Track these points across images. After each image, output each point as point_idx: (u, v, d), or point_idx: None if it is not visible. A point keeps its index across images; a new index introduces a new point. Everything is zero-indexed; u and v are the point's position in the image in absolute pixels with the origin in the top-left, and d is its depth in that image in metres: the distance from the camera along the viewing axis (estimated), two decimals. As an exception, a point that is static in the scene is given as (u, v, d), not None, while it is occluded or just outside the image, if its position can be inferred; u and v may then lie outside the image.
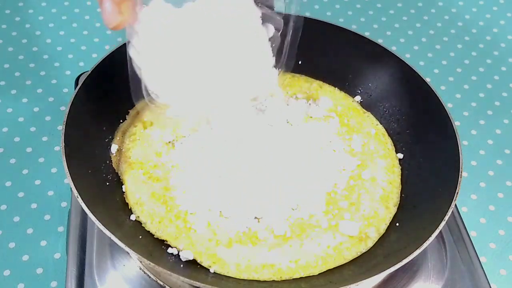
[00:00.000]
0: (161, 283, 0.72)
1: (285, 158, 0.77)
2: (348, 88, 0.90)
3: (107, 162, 0.78)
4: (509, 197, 0.97)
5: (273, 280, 0.68)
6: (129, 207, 0.74)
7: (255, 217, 0.72)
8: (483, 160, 1.02)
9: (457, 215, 0.83)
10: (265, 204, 0.73)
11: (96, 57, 0.77)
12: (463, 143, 1.02)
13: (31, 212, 0.90)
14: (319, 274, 0.69)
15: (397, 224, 0.74)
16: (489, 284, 0.76)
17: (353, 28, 0.90)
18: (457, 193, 0.69)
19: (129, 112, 0.84)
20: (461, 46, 1.22)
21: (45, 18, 1.21)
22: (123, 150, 0.80)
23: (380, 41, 0.88)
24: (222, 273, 0.68)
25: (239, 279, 0.68)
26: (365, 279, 0.63)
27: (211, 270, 0.68)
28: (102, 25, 1.20)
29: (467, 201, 0.95)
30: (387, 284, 0.74)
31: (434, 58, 1.19)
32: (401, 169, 0.81)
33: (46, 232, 0.87)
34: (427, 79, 0.82)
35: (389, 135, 0.85)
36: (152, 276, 0.72)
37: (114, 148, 0.80)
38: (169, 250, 0.70)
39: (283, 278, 0.68)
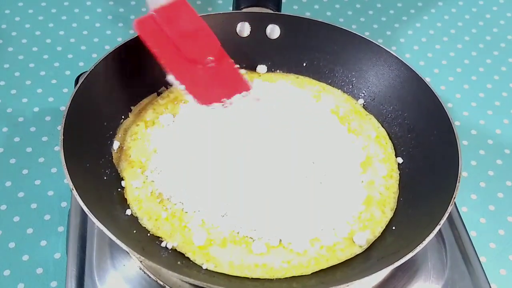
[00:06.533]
0: (161, 283, 0.72)
1: (281, 162, 0.76)
2: (352, 90, 0.89)
3: (106, 156, 0.78)
4: (509, 197, 0.96)
5: (266, 279, 0.68)
6: (127, 203, 0.74)
7: (250, 229, 0.71)
8: (483, 160, 1.01)
9: (457, 215, 0.82)
10: (261, 215, 0.72)
11: (96, 57, 0.77)
12: (463, 143, 1.02)
13: (31, 212, 0.90)
14: (311, 274, 0.69)
15: (393, 228, 0.74)
16: (489, 284, 0.75)
17: (353, 28, 0.90)
18: (454, 197, 0.68)
19: (131, 109, 0.84)
20: (461, 46, 1.22)
21: (45, 18, 1.21)
22: (124, 148, 0.80)
23: (380, 41, 0.88)
24: (214, 270, 0.68)
25: (231, 276, 0.68)
26: (356, 280, 0.63)
27: (204, 267, 0.68)
28: (102, 25, 1.20)
29: (467, 201, 0.95)
30: (387, 283, 0.74)
31: (434, 58, 1.19)
32: (400, 174, 0.80)
33: (46, 232, 0.87)
34: (427, 79, 0.82)
35: (390, 138, 0.85)
36: (152, 276, 0.72)
37: (116, 144, 0.80)
38: (163, 245, 0.70)
39: (276, 277, 0.68)
